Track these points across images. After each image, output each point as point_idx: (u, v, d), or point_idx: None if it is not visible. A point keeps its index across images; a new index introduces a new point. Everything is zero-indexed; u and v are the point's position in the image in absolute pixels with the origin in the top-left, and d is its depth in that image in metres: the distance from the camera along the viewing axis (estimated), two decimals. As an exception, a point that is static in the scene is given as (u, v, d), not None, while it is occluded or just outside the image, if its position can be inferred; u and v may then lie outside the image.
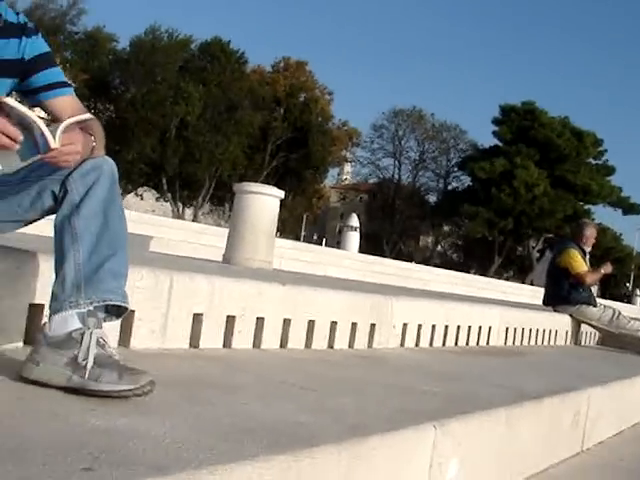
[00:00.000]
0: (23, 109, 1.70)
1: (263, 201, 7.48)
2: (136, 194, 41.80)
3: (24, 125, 1.70)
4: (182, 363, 2.47)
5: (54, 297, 1.88)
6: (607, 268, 7.44)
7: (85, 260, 1.88)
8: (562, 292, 7.20)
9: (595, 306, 7.27)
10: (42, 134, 1.72)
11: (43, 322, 1.90)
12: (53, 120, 2.12)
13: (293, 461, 1.48)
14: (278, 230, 8.23)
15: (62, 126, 1.77)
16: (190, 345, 2.76)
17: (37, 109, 2.11)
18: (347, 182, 65.67)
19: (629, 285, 46.29)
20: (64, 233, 1.91)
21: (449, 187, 57.56)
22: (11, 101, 1.71)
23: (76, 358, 1.76)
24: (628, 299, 42.56)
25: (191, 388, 2.06)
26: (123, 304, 1.94)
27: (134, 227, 11.22)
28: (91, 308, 1.86)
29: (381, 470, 1.78)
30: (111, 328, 2.44)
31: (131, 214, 13.08)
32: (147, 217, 14.15)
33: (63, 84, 2.23)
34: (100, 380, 1.73)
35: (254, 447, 1.49)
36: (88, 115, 1.98)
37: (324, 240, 39.54)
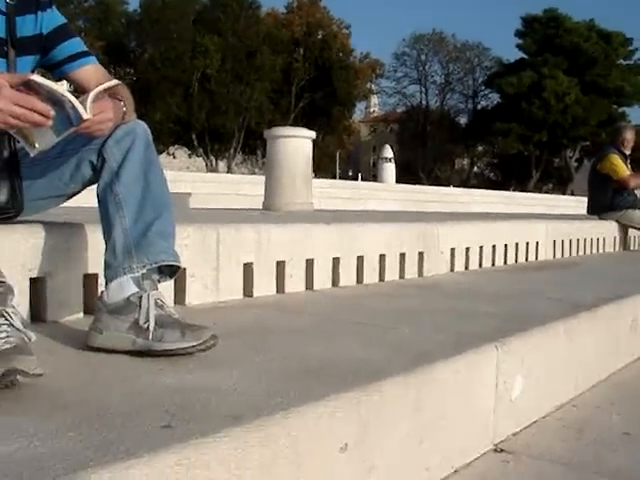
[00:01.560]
0: (51, 84, 1.70)
1: (295, 143, 7.44)
2: (168, 153, 41.86)
3: (54, 100, 1.70)
4: (239, 313, 2.51)
5: (107, 265, 1.91)
6: None
7: (132, 225, 1.90)
8: (606, 199, 7.11)
9: (641, 209, 7.18)
10: (73, 106, 1.71)
11: (100, 291, 1.93)
12: (81, 91, 2.12)
13: (363, 396, 1.51)
14: (313, 171, 8.19)
15: (91, 96, 1.77)
16: (244, 295, 2.80)
17: (64, 82, 2.12)
18: (375, 114, 64.99)
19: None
20: (108, 201, 1.94)
21: (478, 107, 56.59)
22: (38, 78, 1.71)
23: (137, 322, 1.78)
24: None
25: (252, 336, 2.09)
26: (175, 263, 1.97)
27: (171, 186, 11.28)
28: (145, 271, 1.88)
29: (449, 395, 1.80)
30: (165, 288, 2.47)
31: (166, 173, 13.16)
32: (182, 174, 14.19)
33: (85, 54, 2.22)
34: (164, 340, 1.75)
35: (322, 387, 1.51)
36: (115, 81, 1.97)
37: (359, 175, 39.31)
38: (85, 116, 1.73)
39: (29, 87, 1.68)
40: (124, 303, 1.83)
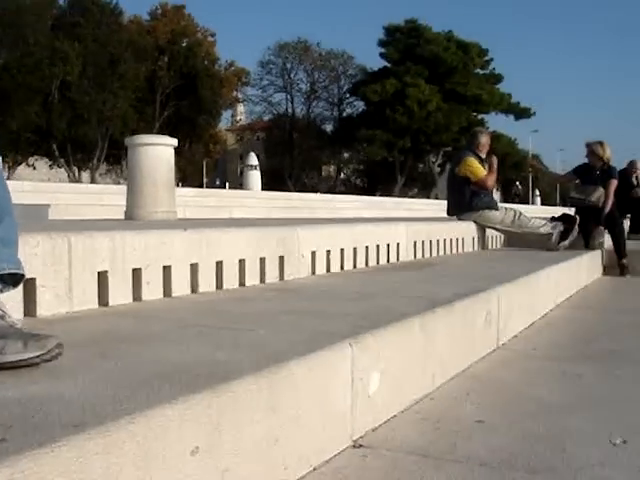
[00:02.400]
0: None
1: (157, 151, 7.33)
2: (27, 164, 40.28)
3: None
4: (93, 322, 2.43)
5: None
6: (493, 160, 7.56)
7: None
8: (464, 200, 7.37)
9: (497, 209, 7.49)
10: None
11: None
12: None
13: (213, 398, 1.49)
14: (180, 180, 8.12)
15: None
16: (99, 304, 2.71)
17: None
18: (242, 123, 64.87)
19: (518, 184, 47.61)
20: None
21: (344, 114, 57.53)
22: None
23: None
24: (519, 198, 43.91)
25: (104, 345, 2.03)
26: (17, 271, 1.89)
27: (30, 197, 10.91)
28: None
29: (303, 393, 1.81)
30: (13, 299, 2.38)
31: (24, 185, 12.71)
32: (43, 185, 13.75)
33: None
34: (5, 352, 1.67)
35: (172, 391, 1.49)
36: None
37: (226, 184, 39.15)
38: None
39: None
40: None
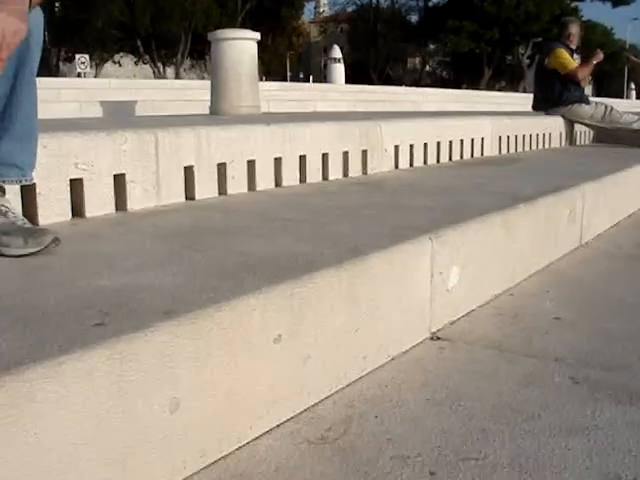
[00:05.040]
0: None
1: (240, 46, 7.28)
2: (114, 62, 40.66)
3: None
4: (180, 216, 2.51)
5: None
6: (598, 56, 7.20)
7: None
8: (553, 94, 7.11)
9: (588, 104, 7.22)
10: None
11: None
12: None
13: (296, 288, 1.54)
14: (264, 74, 8.09)
15: None
16: (186, 198, 2.80)
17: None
18: (325, 14, 63.66)
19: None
20: None
21: (430, 4, 55.66)
22: None
23: None
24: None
25: (191, 237, 2.11)
26: (15, 184, 1.99)
27: (117, 94, 11.07)
28: None
29: (383, 285, 1.85)
30: (106, 196, 2.48)
31: (111, 82, 12.90)
32: (129, 82, 13.90)
33: None
34: (9, 246, 1.82)
35: (256, 281, 1.55)
36: None
37: (310, 77, 38.77)
38: None
39: None
40: None
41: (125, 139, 2.55)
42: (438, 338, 2.11)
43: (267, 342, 1.47)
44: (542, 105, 7.30)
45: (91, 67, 29.97)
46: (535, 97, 7.58)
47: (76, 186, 2.42)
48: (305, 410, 1.61)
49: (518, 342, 2.09)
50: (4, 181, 1.92)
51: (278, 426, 1.53)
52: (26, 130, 1.92)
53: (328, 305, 1.64)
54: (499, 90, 42.10)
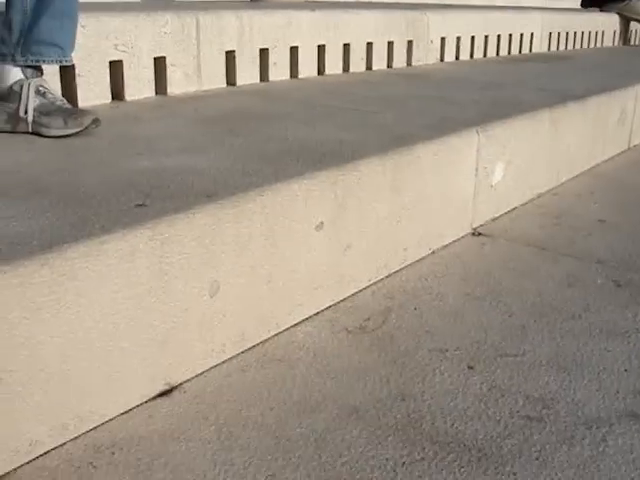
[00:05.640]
0: None
1: None
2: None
3: None
4: (221, 101, 2.47)
5: (2, 40, 1.86)
6: None
7: (32, 5, 1.82)
8: None
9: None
10: None
11: None
12: None
13: (339, 176, 1.51)
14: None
15: None
16: (227, 83, 2.75)
17: None
18: None
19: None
20: None
21: None
22: None
23: (18, 111, 1.82)
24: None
25: (232, 122, 2.07)
26: (58, 64, 1.93)
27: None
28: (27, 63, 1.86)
29: (427, 177, 1.81)
30: (147, 78, 2.44)
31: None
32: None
33: None
34: (50, 127, 1.81)
35: (299, 167, 1.52)
36: None
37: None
38: None
39: None
40: (8, 91, 1.85)
41: (166, 21, 2.49)
42: (479, 234, 2.08)
43: (309, 229, 1.45)
44: (595, 1, 6.97)
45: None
46: None
47: (116, 68, 2.38)
48: (344, 299, 1.61)
49: (560, 242, 2.05)
50: (44, 60, 1.88)
51: (317, 314, 1.53)
52: (66, 7, 1.87)
53: (371, 194, 1.61)
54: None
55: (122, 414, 1.16)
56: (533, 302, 1.64)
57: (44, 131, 1.82)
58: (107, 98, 2.37)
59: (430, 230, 1.87)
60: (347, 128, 1.99)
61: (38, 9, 1.81)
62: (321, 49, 3.12)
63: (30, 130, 1.83)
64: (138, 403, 1.19)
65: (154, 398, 1.21)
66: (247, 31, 2.75)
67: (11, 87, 1.85)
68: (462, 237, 2.04)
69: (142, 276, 1.15)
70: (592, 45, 6.10)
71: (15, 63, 1.85)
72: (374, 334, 1.46)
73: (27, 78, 1.85)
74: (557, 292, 1.71)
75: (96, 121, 1.84)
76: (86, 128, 1.82)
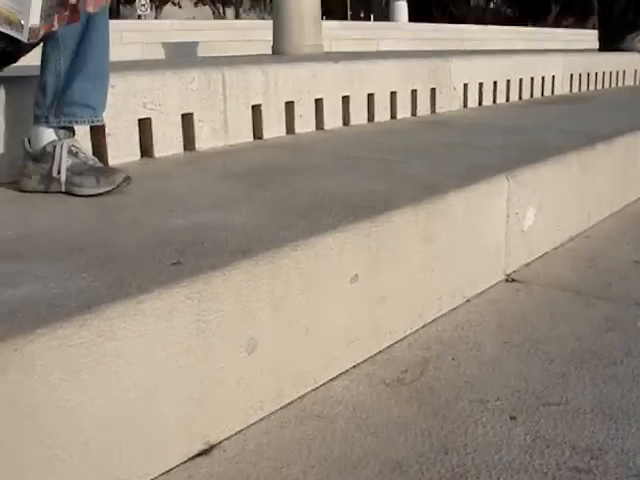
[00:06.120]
0: None
1: (302, -17, 7.17)
2: (173, 3, 40.57)
3: None
4: (249, 155, 2.49)
5: (36, 103, 1.91)
6: None
7: (65, 67, 1.86)
8: (627, 19, 6.73)
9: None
10: None
11: (26, 138, 1.92)
12: None
13: (372, 227, 1.51)
14: (324, 14, 7.93)
15: None
16: (254, 137, 2.78)
17: None
18: (387, -49, 62.26)
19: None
20: (47, 37, 1.84)
21: (495, -63, 53.86)
22: None
23: (51, 171, 1.86)
24: None
25: (261, 176, 2.09)
26: (87, 124, 1.98)
27: (178, 36, 11.01)
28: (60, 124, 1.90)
29: (459, 225, 1.81)
30: (174, 136, 2.47)
31: (173, 24, 12.84)
32: (189, 23, 13.83)
33: None
34: (82, 186, 1.84)
35: (332, 220, 1.52)
36: None
37: (372, 16, 38.09)
38: None
39: None
40: (41, 152, 1.89)
41: (193, 78, 2.53)
42: (513, 280, 2.06)
43: (343, 282, 1.44)
44: (613, 37, 6.93)
45: (151, 9, 29.95)
46: (603, 28, 7.18)
47: (144, 125, 2.42)
48: (380, 352, 1.59)
49: (596, 285, 2.03)
50: (77, 121, 1.91)
51: (354, 367, 1.52)
52: (98, 69, 1.91)
53: (405, 245, 1.60)
54: (566, 27, 40.81)
55: (162, 474, 1.15)
56: (572, 348, 1.62)
57: (77, 190, 1.84)
58: (136, 155, 2.40)
59: (464, 278, 1.86)
60: (376, 178, 1.99)
61: (71, 72, 1.86)
62: (345, 100, 3.15)
63: (63, 190, 1.86)
64: (178, 463, 1.18)
65: (193, 457, 1.20)
66: (272, 85, 2.79)
67: (44, 148, 1.88)
68: (496, 284, 2.02)
69: (180, 335, 1.15)
70: (614, 85, 6.10)
71: (49, 125, 1.89)
72: (413, 386, 1.44)
73: (60, 139, 1.88)
74: (596, 337, 1.68)
75: (127, 179, 1.86)
76: (118, 186, 1.85)
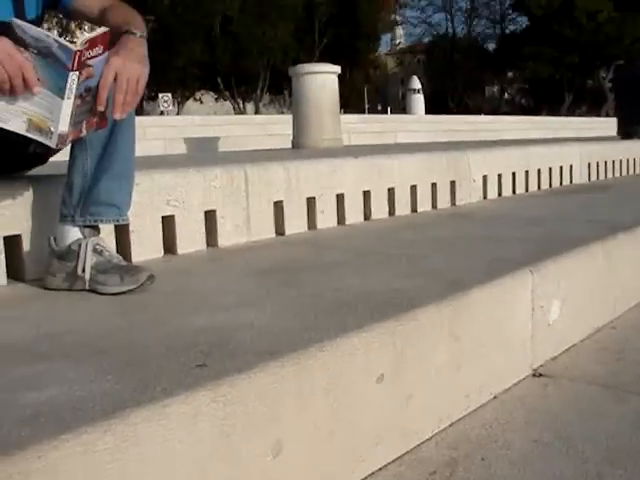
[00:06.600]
0: (34, 27, 1.61)
1: (321, 79, 7.36)
2: (195, 99, 41.64)
3: (41, 48, 1.59)
4: (272, 251, 2.50)
5: (63, 201, 1.94)
6: None
7: (92, 167, 1.90)
8: None
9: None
10: (59, 45, 1.60)
11: (52, 237, 1.95)
12: (86, 20, 2.06)
13: (398, 326, 1.50)
14: (341, 107, 8.12)
15: (80, 42, 1.67)
16: (276, 233, 2.80)
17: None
18: (401, 46, 63.81)
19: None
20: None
21: (507, 32, 55.14)
22: (20, 22, 1.62)
23: (76, 269, 1.87)
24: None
25: (285, 273, 2.09)
26: (117, 223, 2.01)
27: (200, 131, 11.28)
28: (86, 223, 1.93)
29: (484, 321, 1.79)
30: (196, 231, 2.49)
31: (195, 119, 13.16)
32: (211, 118, 14.15)
33: None
34: (106, 284, 1.85)
35: (357, 319, 1.51)
36: (103, 29, 1.77)
37: (388, 109, 38.85)
38: (74, 47, 1.61)
39: (14, 38, 1.57)
40: (67, 250, 1.91)
41: (215, 175, 2.57)
42: (540, 375, 2.03)
43: (370, 382, 1.43)
44: (631, 124, 7.01)
45: (173, 105, 30.74)
46: (621, 116, 7.28)
47: (168, 223, 2.45)
48: (408, 452, 1.55)
49: (627, 379, 1.99)
50: (102, 220, 1.94)
51: (380, 469, 1.48)
52: (124, 169, 1.94)
53: (430, 342, 1.59)
54: (580, 115, 41.34)
55: None
56: (606, 446, 1.57)
57: (100, 288, 1.86)
58: (160, 252, 2.42)
59: (490, 374, 1.83)
60: (399, 275, 1.99)
61: (98, 172, 1.89)
62: (366, 194, 3.18)
63: (87, 288, 1.87)
64: None
65: None
66: (294, 181, 2.83)
67: (70, 246, 1.90)
68: (523, 379, 1.98)
69: (205, 439, 1.13)
70: (631, 172, 6.14)
71: (74, 223, 1.92)
72: (443, 489, 1.41)
73: (85, 237, 1.91)
74: (631, 434, 1.63)
75: (151, 277, 1.87)
76: (142, 285, 1.85)
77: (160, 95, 26.28)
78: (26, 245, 2.07)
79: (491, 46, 56.22)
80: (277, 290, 1.85)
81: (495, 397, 1.85)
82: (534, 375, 2.02)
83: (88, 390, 1.14)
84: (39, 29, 1.66)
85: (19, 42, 1.59)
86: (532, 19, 48.94)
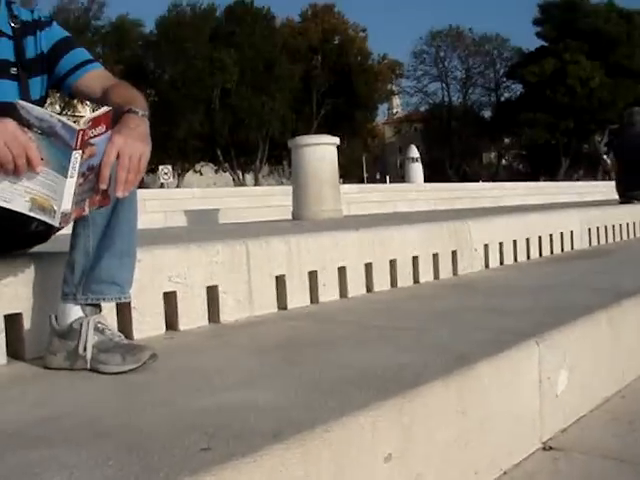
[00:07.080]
0: (38, 108, 1.64)
1: (320, 151, 7.43)
2: (195, 171, 42.11)
3: (45, 128, 1.62)
4: (274, 327, 2.48)
5: (64, 279, 1.93)
6: None
7: (94, 246, 1.89)
8: None
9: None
10: (63, 125, 1.62)
11: (53, 315, 1.94)
12: (89, 100, 2.09)
13: (405, 403, 1.48)
14: (340, 176, 8.18)
15: (82, 122, 1.69)
16: (279, 308, 2.78)
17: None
18: (398, 115, 64.72)
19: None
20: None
21: (502, 99, 56.08)
22: (24, 103, 1.65)
23: (77, 348, 1.85)
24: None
25: (288, 350, 2.07)
26: (119, 301, 2.00)
27: (200, 203, 11.34)
28: (87, 302, 1.92)
29: (491, 395, 1.77)
30: (199, 306, 2.48)
31: (195, 192, 13.26)
32: (210, 191, 14.27)
33: (89, 61, 2.09)
34: (108, 363, 1.83)
35: (363, 396, 1.49)
36: (106, 108, 1.78)
37: (387, 177, 39.20)
38: (77, 127, 1.63)
39: (19, 118, 1.60)
40: (68, 329, 1.89)
41: (217, 251, 2.57)
42: (550, 448, 1.99)
43: (377, 461, 1.40)
44: (631, 188, 7.04)
45: (173, 177, 31.05)
46: (620, 181, 7.31)
47: (170, 299, 2.43)
48: (418, 534, 1.51)
49: None
50: (104, 299, 1.93)
51: None
52: (126, 247, 1.94)
53: (438, 419, 1.56)
54: (577, 179, 41.67)
55: None
56: (621, 524, 1.53)
57: (102, 368, 1.83)
58: (161, 329, 2.40)
59: (499, 449, 1.79)
60: (404, 350, 1.97)
61: (100, 250, 1.89)
62: (368, 267, 3.18)
63: (89, 367, 1.85)
64: None
65: None
66: (295, 255, 2.82)
67: (71, 325, 1.89)
68: (533, 453, 1.94)
69: (210, 527, 1.10)
70: (632, 236, 6.15)
71: (76, 302, 1.90)
72: None
73: (86, 316, 1.89)
74: (646, 511, 1.59)
75: (153, 356, 1.85)
76: (144, 364, 1.83)
77: (160, 167, 26.60)
78: (27, 323, 2.05)
79: (487, 113, 57.19)
80: (280, 368, 1.83)
81: (505, 472, 1.81)
82: (544, 449, 1.98)
83: (89, 478, 1.12)
84: (43, 109, 1.68)
85: (23, 122, 1.61)
86: (526, 86, 49.87)
